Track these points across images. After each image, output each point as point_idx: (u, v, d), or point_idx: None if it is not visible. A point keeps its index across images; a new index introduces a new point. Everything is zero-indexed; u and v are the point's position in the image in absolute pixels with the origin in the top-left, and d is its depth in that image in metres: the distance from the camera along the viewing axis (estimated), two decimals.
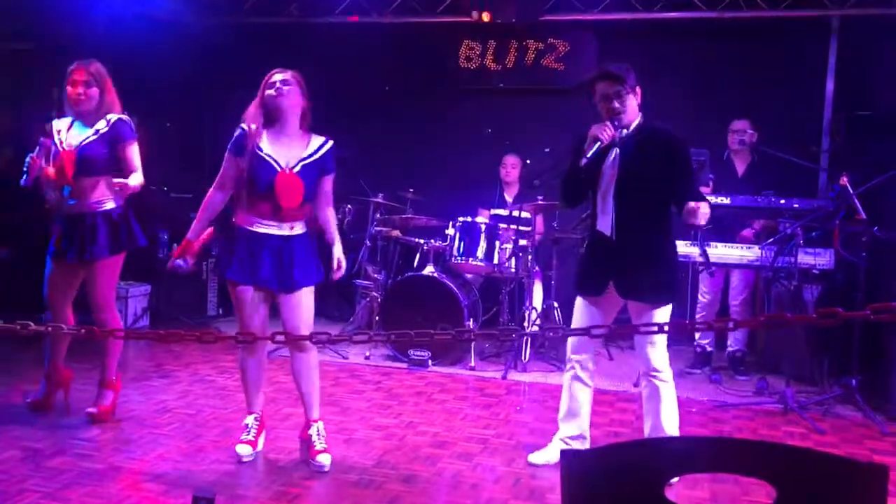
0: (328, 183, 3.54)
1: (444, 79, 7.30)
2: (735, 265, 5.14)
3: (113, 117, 3.91)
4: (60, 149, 3.86)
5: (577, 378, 3.59)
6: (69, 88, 3.87)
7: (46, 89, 3.91)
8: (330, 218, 3.59)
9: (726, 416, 4.56)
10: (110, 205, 3.93)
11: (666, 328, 2.26)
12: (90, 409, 3.98)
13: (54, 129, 3.94)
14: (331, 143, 3.52)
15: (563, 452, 1.18)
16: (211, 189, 3.51)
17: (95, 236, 3.86)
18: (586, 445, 3.62)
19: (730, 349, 5.70)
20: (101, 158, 3.87)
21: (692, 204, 3.16)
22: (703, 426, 4.37)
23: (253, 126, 3.41)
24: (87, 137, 3.88)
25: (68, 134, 3.91)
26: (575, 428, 3.61)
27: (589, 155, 3.36)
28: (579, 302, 3.59)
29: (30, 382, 4.31)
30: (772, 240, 4.89)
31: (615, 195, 3.40)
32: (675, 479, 3.07)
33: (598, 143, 3.35)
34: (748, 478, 1.46)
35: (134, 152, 3.94)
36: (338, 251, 3.54)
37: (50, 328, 2.46)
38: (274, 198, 3.36)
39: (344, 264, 3.54)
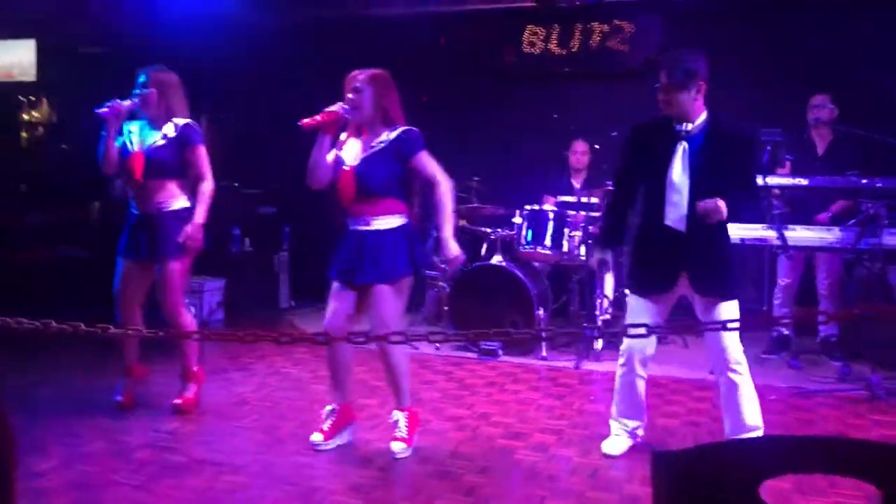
0: (418, 161, 3.50)
1: (508, 65, 7.24)
2: (815, 248, 4.96)
3: (181, 122, 4.02)
4: (131, 150, 3.98)
5: (635, 372, 3.58)
6: (137, 91, 4.00)
7: (116, 92, 4.02)
8: (440, 198, 3.52)
9: (808, 404, 4.42)
10: (177, 205, 4.03)
11: (738, 322, 2.19)
12: (175, 401, 4.10)
13: (127, 129, 4.06)
14: (401, 129, 3.52)
15: (653, 455, 1.15)
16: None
17: (165, 235, 3.97)
18: (643, 430, 3.68)
19: (822, 335, 5.52)
20: (168, 162, 3.99)
21: (709, 204, 3.22)
22: (783, 413, 4.25)
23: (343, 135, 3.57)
24: (155, 141, 3.99)
25: (139, 137, 4.03)
26: (637, 418, 3.64)
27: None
28: (638, 300, 3.55)
29: (115, 377, 4.44)
30: (853, 221, 4.71)
31: (690, 189, 3.35)
32: None
33: None
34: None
35: (202, 156, 4.05)
36: (445, 235, 3.50)
37: (129, 331, 2.54)
38: (338, 196, 3.48)
39: (451, 249, 3.49)
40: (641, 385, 3.61)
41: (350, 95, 3.48)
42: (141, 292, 4.13)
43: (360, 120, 3.51)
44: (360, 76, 3.51)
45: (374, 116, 3.51)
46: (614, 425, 3.66)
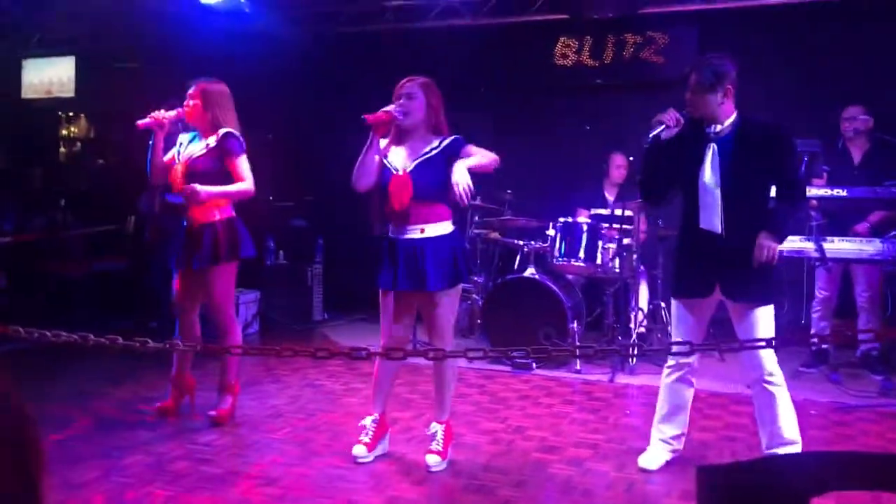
0: (466, 152, 3.47)
1: (540, 78, 7.24)
2: (854, 260, 4.87)
3: (222, 131, 4.04)
4: (177, 161, 4.04)
5: (683, 379, 3.53)
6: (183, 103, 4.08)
7: (153, 107, 4.08)
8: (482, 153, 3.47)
9: (849, 419, 4.34)
10: (224, 215, 4.06)
11: (774, 342, 2.15)
12: (211, 413, 4.12)
13: (180, 140, 4.14)
14: (451, 137, 3.53)
15: (698, 470, 1.13)
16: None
17: (201, 246, 4.00)
18: (682, 443, 3.61)
19: (863, 348, 5.40)
20: (208, 172, 4.00)
21: (764, 246, 3.23)
22: (824, 429, 4.18)
23: (383, 142, 3.56)
24: (198, 152, 4.03)
25: (187, 147, 4.10)
26: (677, 427, 3.58)
27: (650, 136, 3.42)
28: (678, 305, 3.52)
29: (152, 390, 4.49)
30: (894, 233, 4.62)
31: (722, 192, 3.32)
32: None
33: (662, 127, 3.39)
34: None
35: (240, 165, 4.04)
36: (461, 162, 3.37)
37: (167, 345, 2.57)
38: (390, 201, 3.46)
39: (458, 172, 3.33)
40: (689, 393, 3.56)
41: (402, 100, 3.50)
42: (197, 301, 4.17)
43: (409, 125, 3.51)
44: (411, 83, 3.53)
45: (423, 123, 3.52)
46: (654, 434, 3.60)
